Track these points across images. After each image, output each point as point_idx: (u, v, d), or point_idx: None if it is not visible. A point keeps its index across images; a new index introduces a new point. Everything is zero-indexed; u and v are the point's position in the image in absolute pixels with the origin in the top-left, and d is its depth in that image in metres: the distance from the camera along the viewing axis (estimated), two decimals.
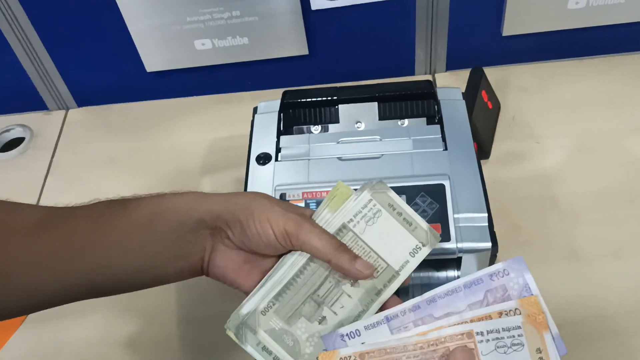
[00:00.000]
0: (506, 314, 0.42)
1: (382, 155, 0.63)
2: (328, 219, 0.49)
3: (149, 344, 0.69)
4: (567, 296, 0.67)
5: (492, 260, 0.58)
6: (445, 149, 0.63)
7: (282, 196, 0.60)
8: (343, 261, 0.46)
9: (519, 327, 0.42)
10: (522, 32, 0.88)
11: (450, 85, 0.92)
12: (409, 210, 0.48)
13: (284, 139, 0.66)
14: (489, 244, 0.56)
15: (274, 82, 0.94)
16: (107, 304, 0.72)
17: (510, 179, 0.79)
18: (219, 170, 0.86)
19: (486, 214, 0.58)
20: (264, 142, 0.66)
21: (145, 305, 0.72)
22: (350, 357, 0.43)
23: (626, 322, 0.65)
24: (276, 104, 0.70)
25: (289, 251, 0.48)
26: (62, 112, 0.98)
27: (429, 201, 0.58)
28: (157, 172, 0.87)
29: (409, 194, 0.59)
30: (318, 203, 0.59)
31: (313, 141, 0.66)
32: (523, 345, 0.42)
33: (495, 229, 0.59)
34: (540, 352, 0.41)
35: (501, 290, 0.44)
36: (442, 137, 0.64)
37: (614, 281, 0.68)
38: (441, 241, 0.56)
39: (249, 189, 0.62)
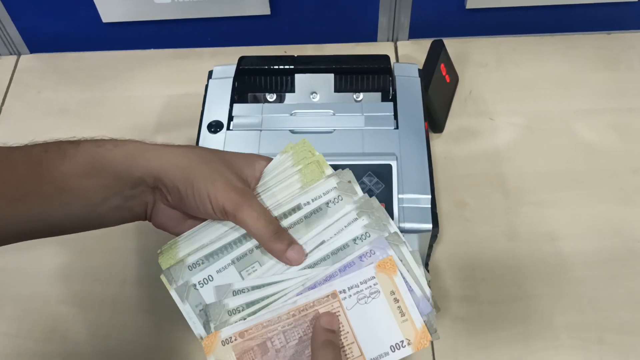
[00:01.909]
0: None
1: (334, 130, 0.63)
2: (285, 185, 0.51)
3: (95, 302, 0.70)
4: (503, 275, 0.70)
5: (433, 240, 0.60)
6: (397, 127, 0.64)
7: None
8: (277, 249, 0.47)
9: (374, 277, 0.46)
10: (485, 5, 0.88)
11: (412, 54, 0.92)
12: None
13: (237, 107, 0.66)
14: (429, 225, 0.58)
15: (235, 40, 0.93)
16: (53, 261, 0.73)
17: (461, 155, 0.80)
18: (173, 128, 0.85)
19: (429, 196, 0.59)
20: (217, 109, 0.66)
21: (91, 264, 0.73)
22: (231, 337, 0.45)
23: (552, 303, 0.68)
24: (231, 69, 0.69)
25: None
26: (14, 57, 0.94)
27: (376, 181, 0.59)
28: (110, 126, 0.86)
29: (357, 172, 0.59)
30: None
31: (267, 111, 0.65)
32: (379, 292, 0.46)
33: (441, 205, 0.60)
34: (394, 294, 0.46)
35: None
36: (394, 115, 0.65)
37: (547, 262, 0.71)
38: None
39: None
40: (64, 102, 0.89)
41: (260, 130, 0.63)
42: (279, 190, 0.51)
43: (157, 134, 0.84)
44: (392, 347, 0.45)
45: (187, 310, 0.48)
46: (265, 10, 0.88)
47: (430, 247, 0.61)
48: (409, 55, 0.91)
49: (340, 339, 0.45)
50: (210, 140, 0.63)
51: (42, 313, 0.69)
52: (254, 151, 0.62)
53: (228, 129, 0.64)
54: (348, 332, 0.46)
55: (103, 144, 0.47)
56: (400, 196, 0.59)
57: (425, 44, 0.86)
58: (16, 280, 0.72)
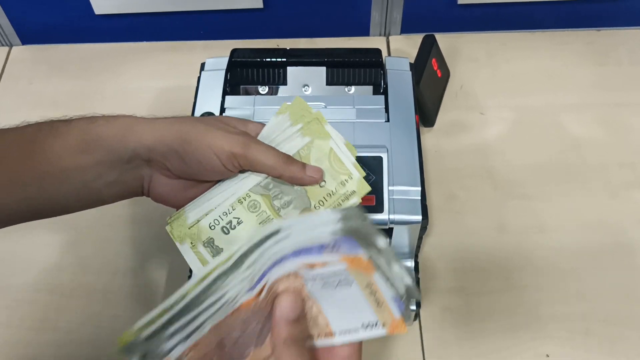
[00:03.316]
0: (330, 264, 0.39)
1: None
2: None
3: (86, 292, 0.70)
4: (491, 267, 0.71)
5: (422, 232, 0.61)
6: (388, 120, 0.64)
7: None
8: (295, 171, 0.48)
9: (345, 271, 0.39)
10: (476, 1, 0.89)
11: (403, 48, 0.92)
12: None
13: (229, 99, 0.66)
14: (419, 217, 0.59)
15: (227, 33, 0.93)
16: (44, 250, 0.73)
17: (451, 149, 0.81)
18: None
19: (419, 188, 0.59)
20: (209, 100, 0.66)
21: (82, 254, 0.73)
22: (181, 356, 0.37)
23: (540, 294, 0.69)
24: (224, 62, 0.69)
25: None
26: (5, 48, 0.94)
27: (366, 172, 0.60)
28: None
29: None
30: None
31: (258, 103, 0.66)
32: (351, 282, 0.40)
33: (431, 197, 0.61)
34: (370, 287, 0.40)
35: None
36: (385, 108, 0.65)
37: (535, 254, 0.72)
38: (374, 212, 0.58)
39: None
40: (56, 93, 0.89)
41: None
42: (284, 149, 0.50)
43: None
44: (363, 325, 0.41)
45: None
46: (258, 3, 0.88)
47: (420, 238, 0.62)
48: (400, 50, 0.92)
49: (305, 310, 0.41)
50: None
51: (33, 303, 0.70)
52: None
53: None
54: (312, 306, 0.41)
55: (95, 120, 0.47)
56: (390, 188, 0.59)
57: (417, 39, 0.87)
58: (7, 270, 0.72)
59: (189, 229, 0.49)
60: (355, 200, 0.50)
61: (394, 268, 0.39)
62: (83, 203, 0.48)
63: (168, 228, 0.50)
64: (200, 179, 0.49)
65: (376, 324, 0.41)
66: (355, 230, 0.37)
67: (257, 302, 0.39)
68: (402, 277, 0.39)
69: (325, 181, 0.50)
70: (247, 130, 0.51)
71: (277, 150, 0.48)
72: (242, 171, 0.50)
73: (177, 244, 0.49)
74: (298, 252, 0.38)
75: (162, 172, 0.48)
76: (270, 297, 0.39)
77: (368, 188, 0.51)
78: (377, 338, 0.41)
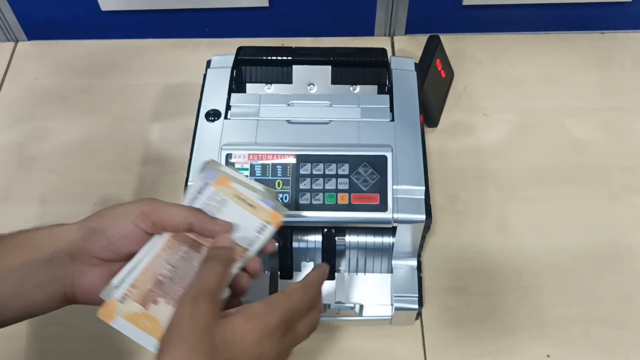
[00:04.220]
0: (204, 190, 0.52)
1: (331, 121, 0.64)
2: None
3: None
4: (492, 267, 0.71)
5: (426, 231, 0.61)
6: (392, 119, 0.64)
7: (228, 156, 0.61)
8: (205, 221, 0.49)
9: (216, 192, 0.52)
10: (482, 2, 0.89)
11: (408, 49, 0.93)
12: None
13: (235, 96, 0.67)
14: (423, 217, 0.59)
15: (232, 31, 0.93)
16: None
17: (454, 150, 0.81)
18: (170, 117, 0.85)
19: (423, 187, 0.60)
20: (215, 98, 0.66)
21: None
22: (126, 293, 0.47)
23: (540, 296, 0.69)
24: (230, 59, 0.70)
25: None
26: (11, 44, 0.95)
27: (371, 171, 0.60)
28: (107, 113, 0.86)
29: (352, 162, 0.60)
30: (263, 165, 0.60)
31: (264, 101, 0.66)
32: (226, 199, 0.52)
33: (434, 198, 0.61)
34: (238, 196, 0.52)
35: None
36: (390, 107, 0.65)
37: (536, 256, 0.72)
38: (378, 210, 0.59)
39: (196, 146, 0.63)
40: (61, 89, 0.89)
41: (258, 120, 0.64)
42: None
43: (154, 123, 0.85)
44: (257, 231, 0.51)
45: None
46: (263, 2, 0.88)
47: (423, 238, 0.62)
48: (405, 50, 0.92)
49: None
50: (208, 128, 0.64)
51: None
52: (251, 140, 0.62)
53: (226, 117, 0.65)
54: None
55: (31, 229, 0.50)
56: (394, 187, 0.60)
57: (421, 40, 0.87)
58: None
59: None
60: (271, 229, 0.52)
61: (244, 179, 0.53)
62: (10, 310, 0.48)
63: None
64: (123, 251, 0.49)
65: (264, 226, 0.51)
66: (206, 165, 0.53)
67: (173, 242, 0.49)
68: (254, 184, 0.53)
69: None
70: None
71: (186, 206, 0.51)
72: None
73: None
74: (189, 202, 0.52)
75: (86, 261, 0.49)
76: (182, 236, 0.50)
77: (281, 216, 0.52)
78: (270, 237, 0.51)
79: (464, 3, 0.89)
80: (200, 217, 0.50)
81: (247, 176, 0.59)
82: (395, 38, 0.94)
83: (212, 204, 0.51)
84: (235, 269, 0.49)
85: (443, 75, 0.86)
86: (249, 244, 0.50)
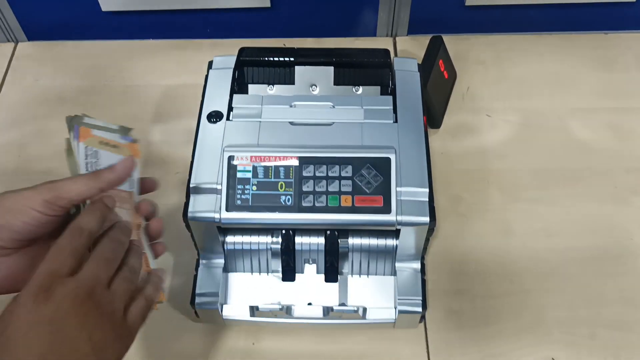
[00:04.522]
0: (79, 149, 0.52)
1: (334, 123, 0.63)
2: None
3: None
4: (496, 270, 0.71)
5: (430, 234, 0.61)
6: (395, 121, 0.64)
7: (231, 158, 0.60)
8: (107, 176, 0.48)
9: (85, 146, 0.51)
10: (484, 3, 0.89)
11: (410, 50, 0.92)
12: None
13: (237, 97, 0.66)
14: (427, 219, 0.58)
15: (234, 32, 0.93)
16: None
17: (457, 151, 0.81)
18: (171, 118, 0.85)
19: (427, 190, 0.59)
20: (217, 99, 0.66)
21: None
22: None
23: (545, 298, 0.69)
24: (231, 60, 0.69)
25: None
26: (11, 44, 0.94)
27: (374, 173, 0.60)
28: (108, 115, 0.84)
29: (355, 164, 0.60)
30: (265, 168, 0.60)
31: (266, 102, 0.66)
32: (96, 150, 0.52)
33: (437, 199, 0.61)
34: (102, 142, 0.52)
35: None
36: (393, 109, 0.65)
37: (540, 258, 0.72)
38: (382, 213, 0.58)
39: (198, 147, 0.62)
40: (62, 90, 0.89)
41: (260, 121, 0.64)
42: None
43: (155, 124, 0.84)
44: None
45: None
46: (265, 2, 0.88)
47: (427, 240, 0.62)
48: (407, 51, 0.92)
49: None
50: (209, 130, 0.63)
51: None
52: (253, 142, 0.62)
53: (228, 119, 0.64)
54: None
55: None
56: (398, 189, 0.59)
57: (423, 40, 0.87)
58: None
59: None
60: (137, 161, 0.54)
61: (99, 123, 0.53)
62: None
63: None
64: (35, 236, 0.46)
65: (132, 160, 0.52)
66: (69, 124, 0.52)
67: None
68: (108, 124, 0.54)
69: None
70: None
71: (82, 174, 0.48)
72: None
73: None
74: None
75: None
76: None
77: (138, 146, 0.55)
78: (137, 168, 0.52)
79: (467, 3, 0.88)
80: (104, 176, 0.47)
81: (249, 178, 0.59)
82: (397, 39, 0.94)
83: (91, 160, 0.51)
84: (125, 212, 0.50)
85: (446, 76, 0.85)
86: (130, 186, 0.52)
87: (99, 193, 0.47)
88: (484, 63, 0.90)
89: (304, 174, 0.60)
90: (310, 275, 0.64)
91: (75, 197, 0.46)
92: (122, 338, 0.44)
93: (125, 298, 0.45)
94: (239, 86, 0.69)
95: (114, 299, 0.43)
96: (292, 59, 0.69)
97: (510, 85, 0.87)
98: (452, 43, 0.88)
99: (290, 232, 0.62)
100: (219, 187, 0.59)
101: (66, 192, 0.46)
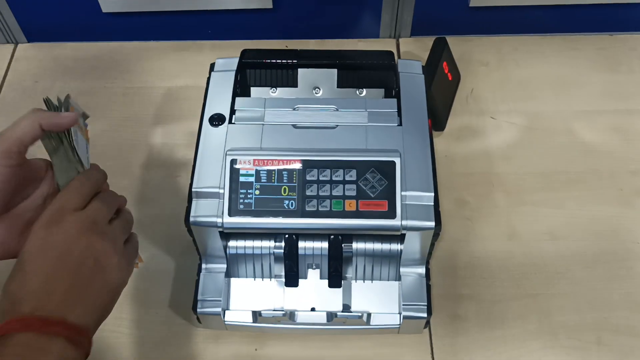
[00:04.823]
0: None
1: (337, 126, 0.63)
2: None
3: None
4: (502, 274, 0.70)
5: (435, 238, 0.60)
6: (400, 124, 0.63)
7: (233, 162, 0.59)
8: (50, 116, 0.49)
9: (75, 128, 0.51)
10: (489, 4, 0.88)
11: (413, 51, 0.91)
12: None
13: (239, 100, 0.65)
14: (432, 223, 0.58)
15: (236, 34, 0.92)
16: None
17: (461, 153, 0.80)
18: (173, 121, 0.84)
19: (433, 194, 0.59)
20: (219, 102, 0.65)
21: None
22: None
23: (551, 303, 0.68)
24: (234, 62, 0.68)
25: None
26: (11, 46, 0.93)
27: (379, 177, 0.59)
28: (108, 117, 0.85)
29: (360, 168, 0.59)
30: (269, 172, 0.59)
31: (269, 105, 0.65)
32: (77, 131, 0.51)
33: (441, 203, 0.60)
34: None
35: None
36: (398, 112, 0.64)
37: (546, 262, 0.71)
38: (387, 217, 0.58)
39: (200, 151, 0.61)
40: (62, 92, 0.86)
41: (263, 125, 0.63)
42: None
43: (156, 126, 0.84)
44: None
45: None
46: (268, 3, 0.87)
47: (432, 245, 0.61)
48: (410, 53, 0.91)
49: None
50: (211, 133, 0.62)
51: None
52: (256, 145, 0.61)
53: (230, 122, 0.63)
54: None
55: None
56: (403, 193, 0.58)
57: (427, 42, 0.86)
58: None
59: None
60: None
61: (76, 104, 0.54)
62: None
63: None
64: (8, 195, 0.48)
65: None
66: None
67: None
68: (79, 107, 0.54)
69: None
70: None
71: (26, 116, 0.49)
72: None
73: None
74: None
75: None
76: None
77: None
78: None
79: (471, 4, 0.88)
80: (43, 115, 0.48)
81: (252, 182, 0.59)
82: (400, 40, 0.93)
83: (75, 139, 0.51)
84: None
85: (450, 78, 0.84)
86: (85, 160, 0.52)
87: (41, 129, 0.48)
88: (488, 65, 0.89)
89: (308, 178, 0.59)
90: (313, 281, 0.63)
91: (24, 137, 0.47)
92: (122, 269, 0.48)
93: (123, 234, 0.50)
94: (241, 89, 0.68)
95: (115, 230, 0.48)
96: (295, 61, 0.68)
97: (515, 87, 0.87)
98: (456, 44, 0.87)
99: (294, 236, 0.61)
100: (221, 191, 0.59)
101: (16, 136, 0.47)
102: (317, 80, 0.69)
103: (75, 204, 0.47)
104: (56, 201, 0.47)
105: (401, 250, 0.61)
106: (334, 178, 0.59)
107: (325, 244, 0.61)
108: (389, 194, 0.58)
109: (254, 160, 0.59)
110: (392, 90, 0.68)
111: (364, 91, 0.69)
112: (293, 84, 0.69)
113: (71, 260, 0.44)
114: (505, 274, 0.70)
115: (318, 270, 0.63)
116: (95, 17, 0.89)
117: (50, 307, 0.42)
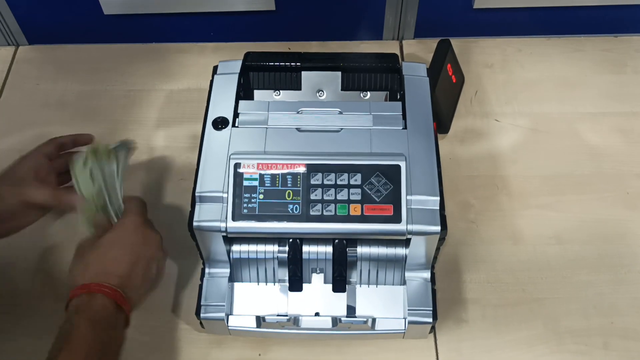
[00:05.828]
0: None
1: (342, 129, 0.62)
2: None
3: None
4: (507, 278, 0.70)
5: (441, 243, 0.59)
6: (405, 127, 0.63)
7: (237, 166, 0.59)
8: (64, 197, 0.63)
9: None
10: (493, 5, 0.87)
11: (417, 53, 0.91)
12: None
13: (242, 103, 0.65)
14: (438, 228, 0.57)
15: (238, 35, 0.91)
16: (33, 255, 0.71)
17: (466, 156, 0.79)
18: (175, 123, 0.83)
19: (438, 198, 0.58)
20: (222, 105, 0.65)
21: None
22: None
23: (557, 307, 0.67)
24: (237, 65, 0.68)
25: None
26: (12, 48, 0.93)
27: (384, 181, 0.58)
28: (110, 119, 0.84)
29: (365, 172, 0.59)
30: (272, 175, 0.58)
31: (273, 108, 0.64)
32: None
33: (446, 206, 0.59)
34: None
35: None
36: (402, 115, 0.64)
37: (551, 266, 0.70)
38: (392, 222, 0.57)
39: (203, 155, 0.61)
40: (63, 94, 0.88)
41: (267, 128, 0.62)
42: None
43: (158, 129, 0.83)
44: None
45: None
46: (270, 5, 0.87)
47: (438, 249, 0.60)
48: (414, 55, 0.90)
49: None
50: (215, 137, 0.62)
51: (29, 308, 0.68)
52: (260, 149, 0.60)
53: (234, 125, 0.63)
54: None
55: None
56: (408, 197, 0.58)
57: (430, 44, 0.85)
58: (7, 279, 0.71)
59: None
60: None
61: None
62: None
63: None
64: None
65: None
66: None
67: None
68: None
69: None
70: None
71: (52, 188, 0.65)
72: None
73: None
74: None
75: None
76: None
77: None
78: None
79: (475, 6, 0.87)
80: (60, 196, 0.64)
81: (256, 186, 0.58)
82: (404, 42, 0.92)
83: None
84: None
85: (454, 80, 0.84)
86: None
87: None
88: (492, 67, 0.89)
89: (312, 182, 0.58)
90: (317, 285, 0.63)
91: (41, 203, 0.64)
92: (162, 264, 0.63)
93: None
94: (244, 92, 0.68)
95: (154, 230, 0.63)
96: (298, 64, 0.68)
97: (519, 89, 0.86)
98: (460, 46, 0.86)
99: (298, 241, 0.60)
100: (225, 195, 0.58)
101: (33, 198, 0.64)
102: (320, 83, 0.69)
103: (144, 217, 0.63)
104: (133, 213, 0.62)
105: (406, 254, 0.61)
106: (338, 182, 0.58)
107: (329, 249, 0.61)
108: (394, 198, 0.58)
109: (258, 164, 0.59)
110: (396, 93, 0.68)
111: (368, 94, 0.69)
112: (297, 87, 0.69)
113: (144, 260, 0.60)
114: (511, 278, 0.70)
115: (322, 275, 0.63)
116: (96, 19, 0.89)
117: (127, 288, 0.57)
